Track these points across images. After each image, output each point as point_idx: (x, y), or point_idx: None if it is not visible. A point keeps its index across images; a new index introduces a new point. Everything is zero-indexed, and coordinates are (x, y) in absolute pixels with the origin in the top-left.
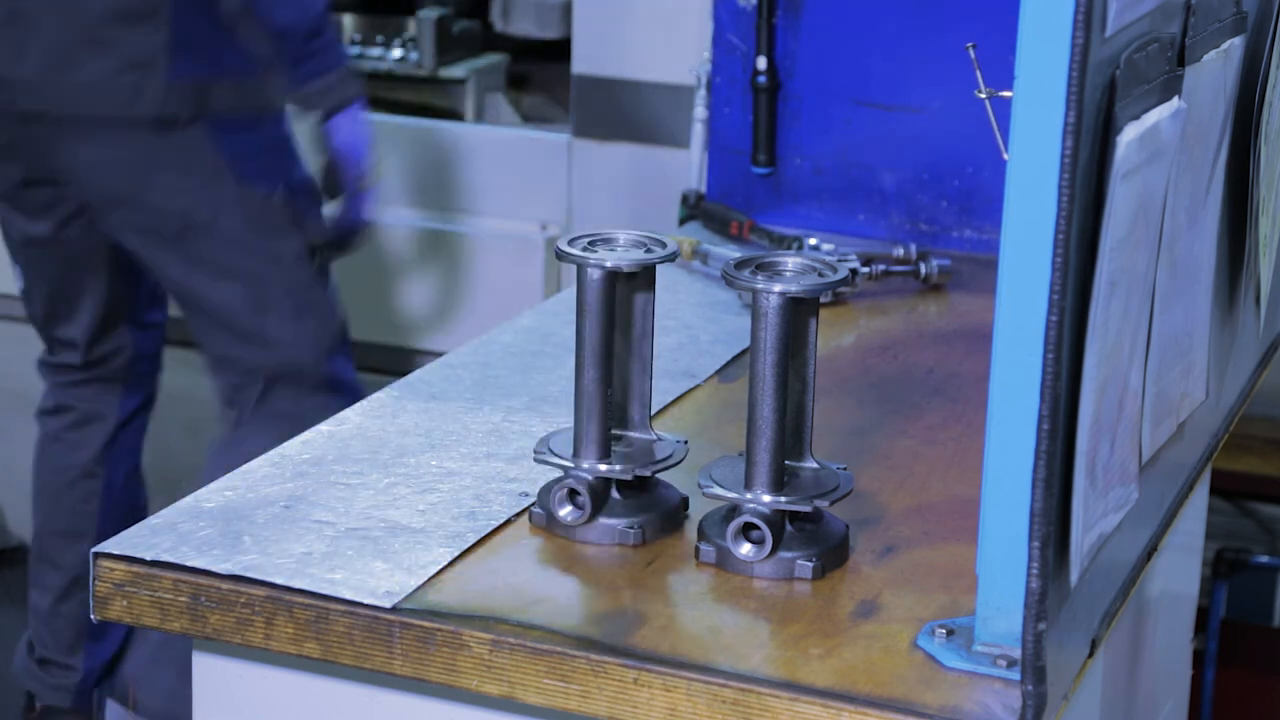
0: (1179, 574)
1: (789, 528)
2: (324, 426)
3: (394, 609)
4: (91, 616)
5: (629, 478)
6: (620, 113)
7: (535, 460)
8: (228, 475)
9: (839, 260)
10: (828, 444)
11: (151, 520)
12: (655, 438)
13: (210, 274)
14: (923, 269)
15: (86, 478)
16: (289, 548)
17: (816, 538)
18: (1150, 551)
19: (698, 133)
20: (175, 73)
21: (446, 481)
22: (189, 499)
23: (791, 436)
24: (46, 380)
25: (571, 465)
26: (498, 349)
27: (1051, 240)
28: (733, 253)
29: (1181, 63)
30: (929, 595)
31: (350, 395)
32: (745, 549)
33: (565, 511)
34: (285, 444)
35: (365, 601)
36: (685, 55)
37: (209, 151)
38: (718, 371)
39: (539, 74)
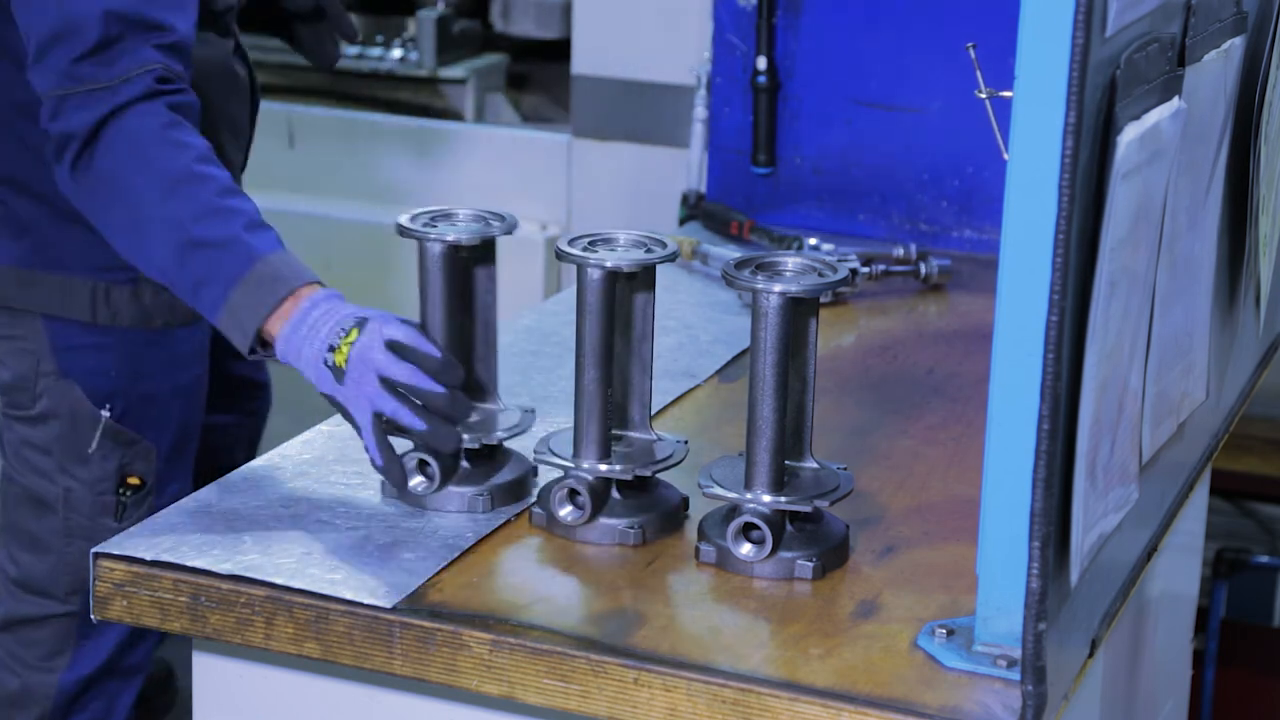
0: (1179, 574)
1: (789, 528)
2: (324, 426)
3: (394, 609)
4: (92, 616)
5: (629, 478)
6: (620, 113)
7: (535, 460)
8: (228, 475)
9: (839, 260)
10: (828, 444)
11: (151, 520)
12: (655, 438)
13: None
14: (923, 269)
15: None
16: (289, 548)
17: (816, 538)
18: (1150, 551)
19: (698, 133)
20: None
21: None
22: (189, 499)
23: (791, 436)
24: None
25: (571, 465)
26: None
27: (1051, 240)
28: (733, 253)
29: (1182, 63)
30: (929, 595)
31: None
32: (745, 549)
33: (565, 511)
34: (285, 444)
35: (365, 601)
36: (685, 55)
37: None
38: (718, 371)
39: (539, 74)
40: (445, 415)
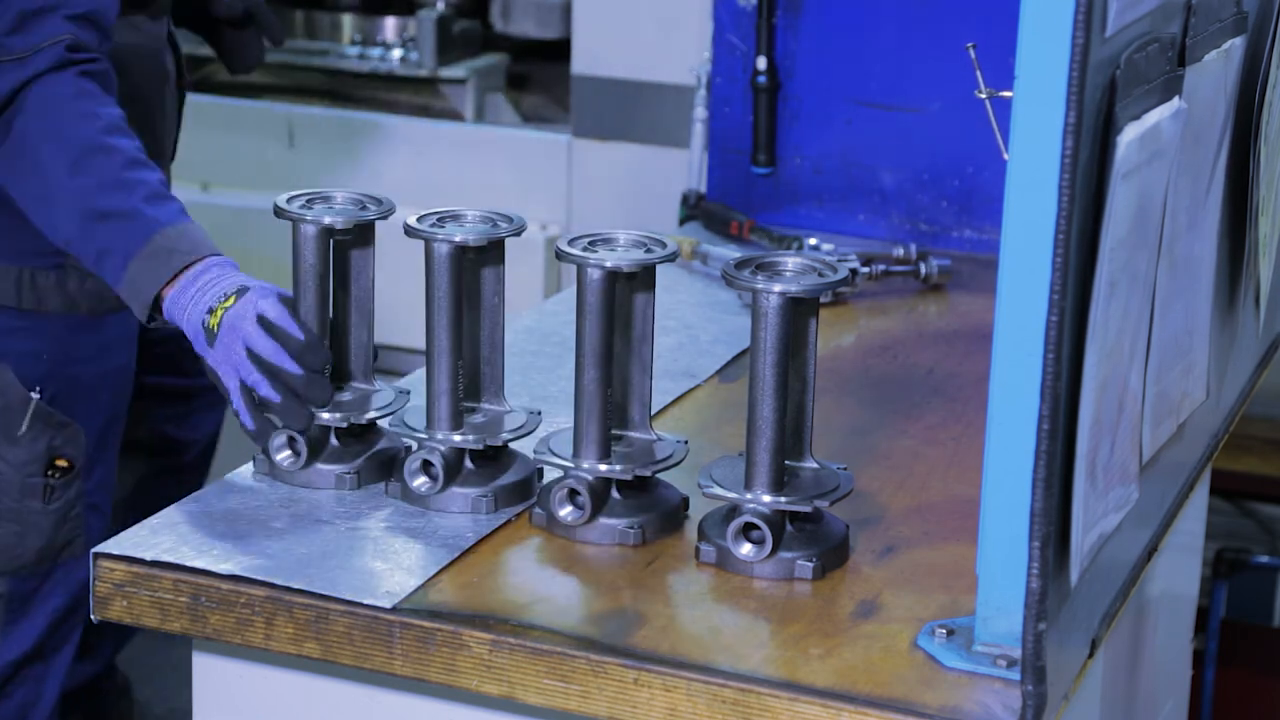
0: (1179, 574)
1: (789, 528)
2: None
3: (394, 609)
4: (92, 616)
5: (629, 478)
6: (620, 113)
7: (535, 460)
8: (227, 475)
9: (839, 260)
10: (828, 444)
11: (151, 520)
12: (655, 438)
13: None
14: (923, 269)
15: None
16: (289, 548)
17: (816, 538)
18: (1150, 551)
19: (698, 133)
20: None
21: None
22: (189, 499)
23: (791, 436)
24: None
25: (571, 465)
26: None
27: (1051, 240)
28: (733, 253)
29: (1182, 63)
30: (929, 595)
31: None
32: (745, 549)
33: (565, 511)
34: None
35: (365, 601)
36: (685, 55)
37: None
38: (718, 371)
39: (539, 74)
40: (300, 395)
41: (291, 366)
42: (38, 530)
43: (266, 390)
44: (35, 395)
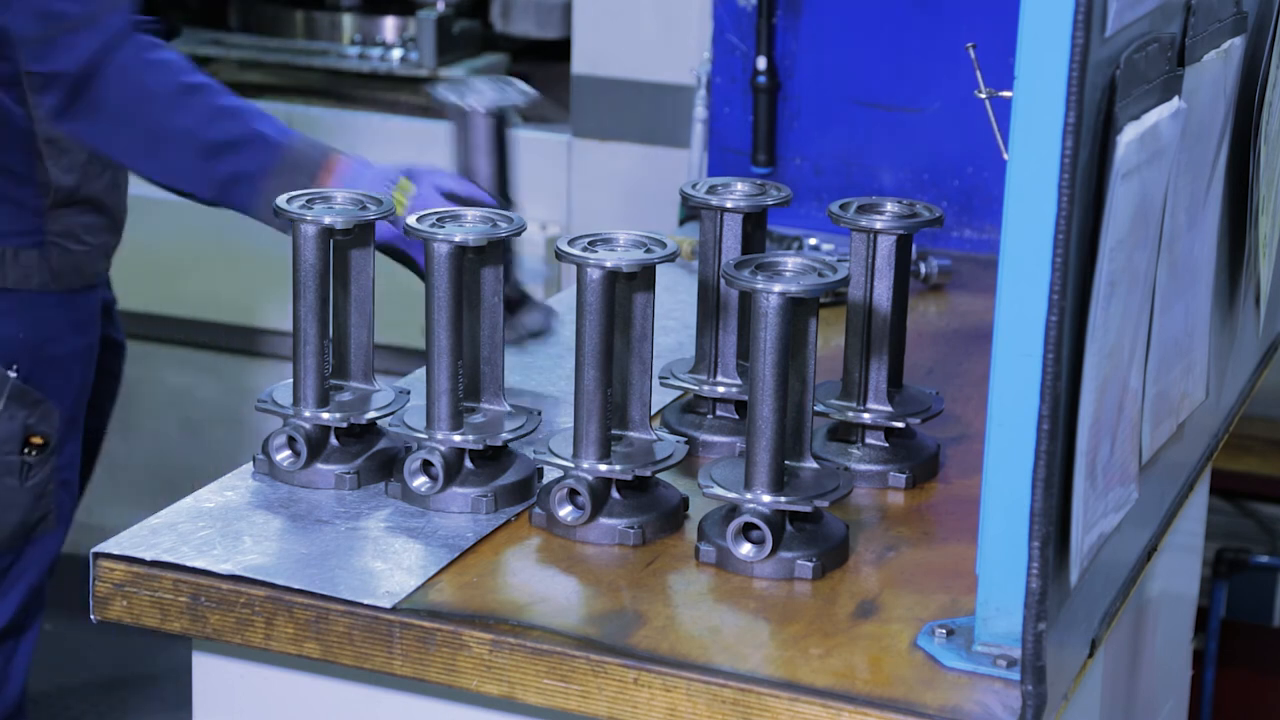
0: (1179, 574)
1: (789, 528)
2: None
3: (394, 609)
4: (91, 617)
5: (629, 478)
6: (620, 113)
7: (534, 460)
8: (227, 475)
9: (839, 260)
10: None
11: (151, 520)
12: (655, 438)
13: None
14: (923, 269)
15: None
16: (289, 548)
17: (816, 538)
18: (1150, 551)
19: (698, 133)
20: None
21: None
22: (189, 499)
23: (791, 436)
24: None
25: (571, 465)
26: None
27: (1051, 240)
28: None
29: (1181, 63)
30: (929, 595)
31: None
32: (745, 549)
33: (565, 511)
34: None
35: (365, 601)
36: (685, 55)
37: None
38: None
39: (539, 74)
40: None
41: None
42: (14, 508)
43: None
44: (12, 374)
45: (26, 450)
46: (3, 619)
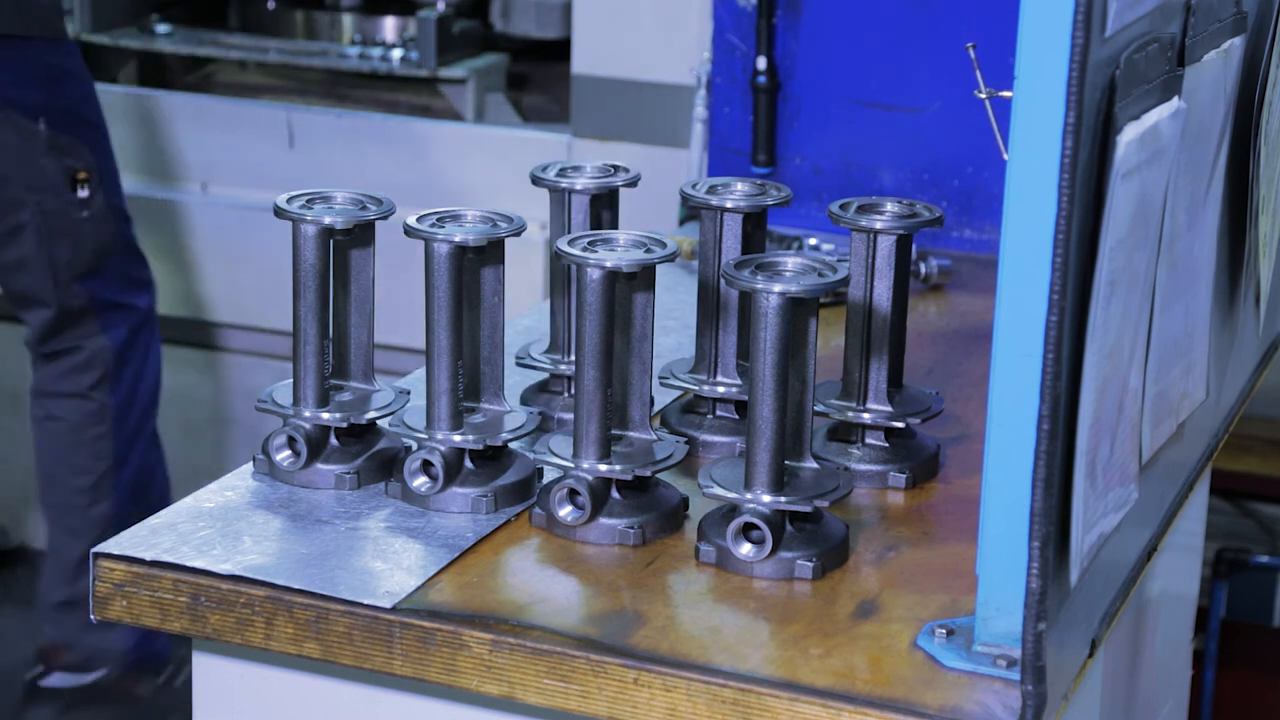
0: (1179, 574)
1: (789, 528)
2: None
3: (394, 609)
4: (91, 616)
5: (629, 478)
6: (620, 113)
7: (534, 460)
8: (227, 475)
9: (839, 260)
10: None
11: (151, 520)
12: (655, 438)
13: None
14: (923, 269)
15: (92, 422)
16: (289, 548)
17: (816, 538)
18: (1150, 551)
19: (698, 133)
20: None
21: None
22: (189, 499)
23: (791, 436)
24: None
25: (571, 465)
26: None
27: (1051, 240)
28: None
29: (1181, 63)
30: (929, 595)
31: (127, 312)
32: (745, 549)
33: (565, 511)
34: None
35: (365, 601)
36: (685, 55)
37: None
38: None
39: (539, 74)
40: None
41: None
42: (89, 235)
43: None
44: (41, 126)
45: (76, 186)
46: (131, 321)
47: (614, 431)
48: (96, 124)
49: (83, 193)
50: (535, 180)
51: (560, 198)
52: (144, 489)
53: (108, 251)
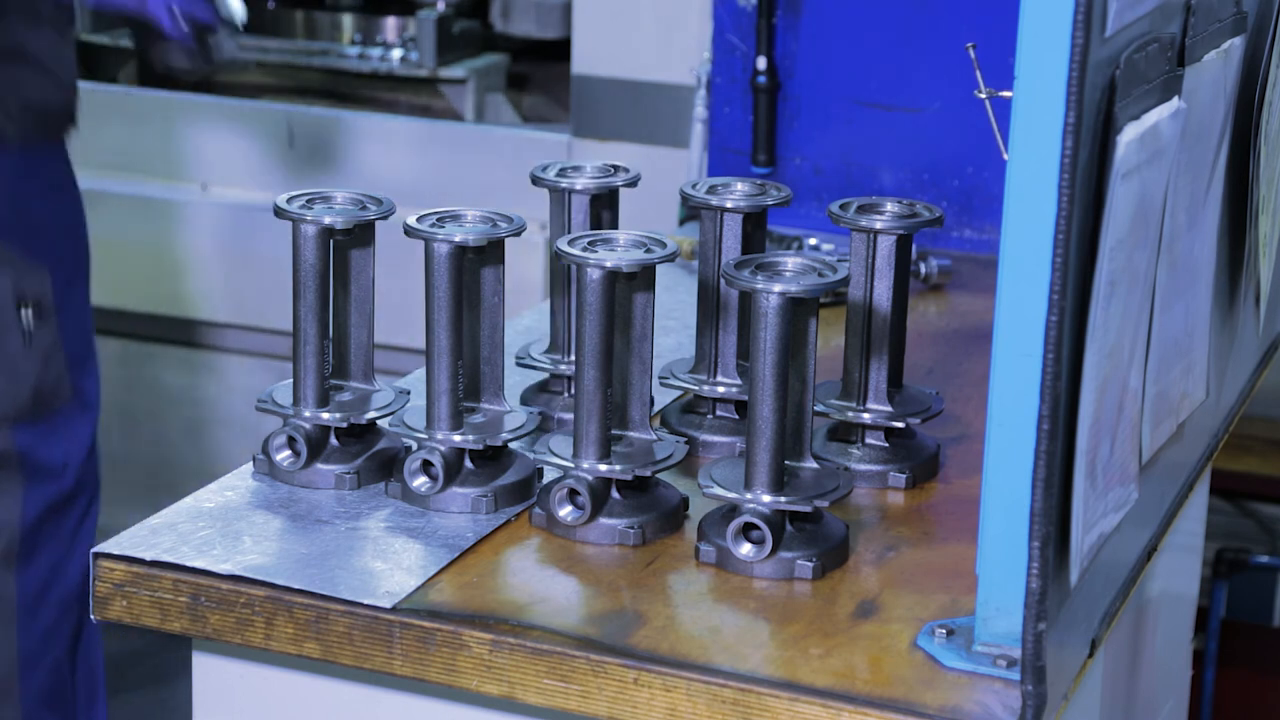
0: (1179, 574)
1: (789, 528)
2: None
3: (394, 609)
4: (91, 616)
5: (629, 478)
6: (620, 113)
7: (534, 460)
8: (227, 475)
9: (839, 260)
10: None
11: (151, 520)
12: (655, 438)
13: None
14: (923, 269)
15: None
16: (289, 548)
17: (816, 538)
18: (1150, 551)
19: (698, 133)
20: None
21: None
22: (189, 499)
23: (791, 436)
24: None
25: (571, 465)
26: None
27: (1051, 240)
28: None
29: (1181, 63)
30: (929, 595)
31: (54, 482)
32: (745, 549)
33: (565, 511)
34: None
35: (365, 601)
36: (685, 55)
37: None
38: None
39: (539, 74)
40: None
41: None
42: (26, 373)
43: (205, 12)
44: None
45: (22, 311)
46: (49, 495)
47: (614, 431)
48: (67, 251)
49: (26, 322)
50: (535, 180)
51: (560, 198)
52: (61, 701)
53: (48, 401)
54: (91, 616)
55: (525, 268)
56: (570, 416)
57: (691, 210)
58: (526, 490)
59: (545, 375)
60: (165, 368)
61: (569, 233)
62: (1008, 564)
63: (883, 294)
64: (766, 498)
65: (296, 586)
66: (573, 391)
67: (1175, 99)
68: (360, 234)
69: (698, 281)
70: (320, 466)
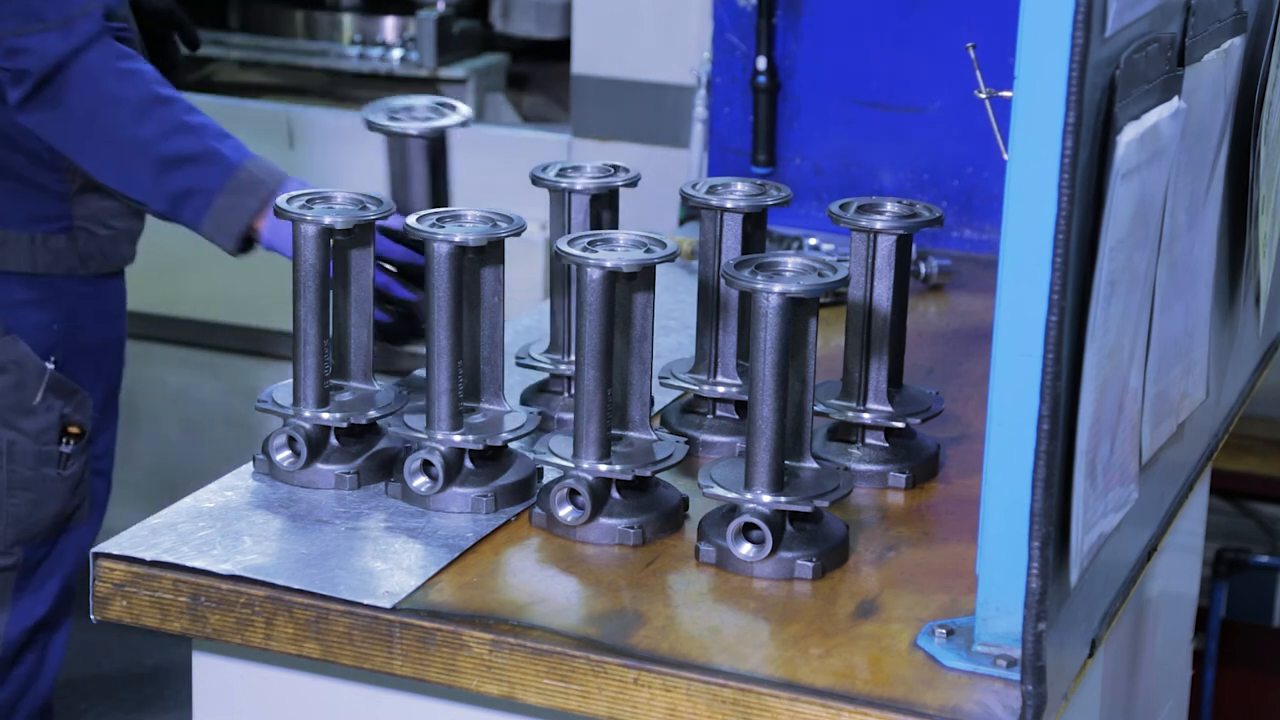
0: (1179, 574)
1: (789, 528)
2: None
3: (394, 609)
4: (91, 617)
5: (629, 478)
6: (620, 113)
7: (534, 459)
8: (227, 475)
9: (839, 260)
10: None
11: (151, 520)
12: (655, 438)
13: None
14: (923, 269)
15: None
16: (289, 548)
17: (816, 538)
18: (1150, 551)
19: (698, 133)
20: None
21: None
22: (189, 499)
23: (791, 436)
24: None
25: (571, 465)
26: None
27: (1051, 240)
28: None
29: (1181, 63)
30: (929, 595)
31: (40, 600)
32: (745, 549)
33: (565, 511)
34: None
35: (365, 601)
36: (685, 55)
37: None
38: None
39: (539, 74)
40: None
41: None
42: (54, 498)
43: (400, 290)
44: (50, 365)
45: (64, 440)
46: (38, 613)
47: (614, 431)
48: (108, 371)
49: (66, 448)
50: (535, 180)
51: (560, 198)
52: None
53: (65, 524)
54: (91, 617)
55: (525, 268)
56: (570, 416)
57: (691, 210)
58: (526, 490)
59: (545, 375)
60: (165, 368)
61: (569, 233)
62: (1008, 564)
63: (883, 294)
64: (766, 498)
65: (296, 586)
66: (573, 391)
67: (1175, 99)
68: (360, 234)
69: (698, 281)
70: (320, 466)
